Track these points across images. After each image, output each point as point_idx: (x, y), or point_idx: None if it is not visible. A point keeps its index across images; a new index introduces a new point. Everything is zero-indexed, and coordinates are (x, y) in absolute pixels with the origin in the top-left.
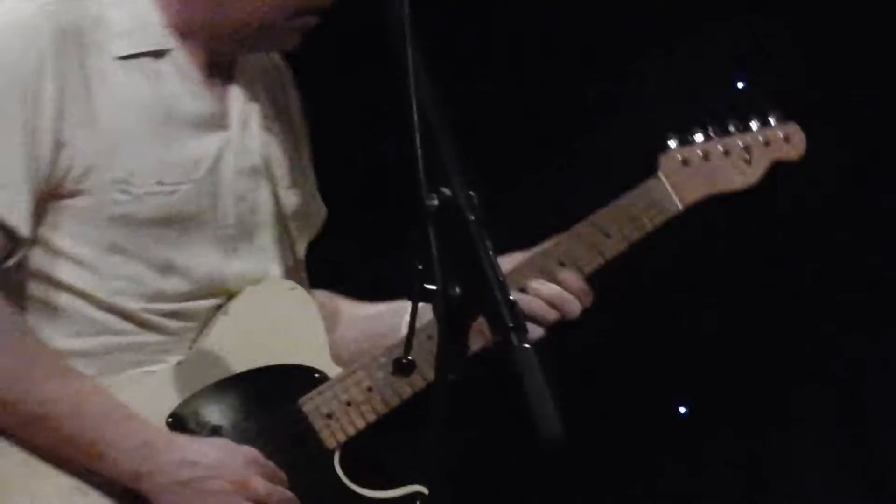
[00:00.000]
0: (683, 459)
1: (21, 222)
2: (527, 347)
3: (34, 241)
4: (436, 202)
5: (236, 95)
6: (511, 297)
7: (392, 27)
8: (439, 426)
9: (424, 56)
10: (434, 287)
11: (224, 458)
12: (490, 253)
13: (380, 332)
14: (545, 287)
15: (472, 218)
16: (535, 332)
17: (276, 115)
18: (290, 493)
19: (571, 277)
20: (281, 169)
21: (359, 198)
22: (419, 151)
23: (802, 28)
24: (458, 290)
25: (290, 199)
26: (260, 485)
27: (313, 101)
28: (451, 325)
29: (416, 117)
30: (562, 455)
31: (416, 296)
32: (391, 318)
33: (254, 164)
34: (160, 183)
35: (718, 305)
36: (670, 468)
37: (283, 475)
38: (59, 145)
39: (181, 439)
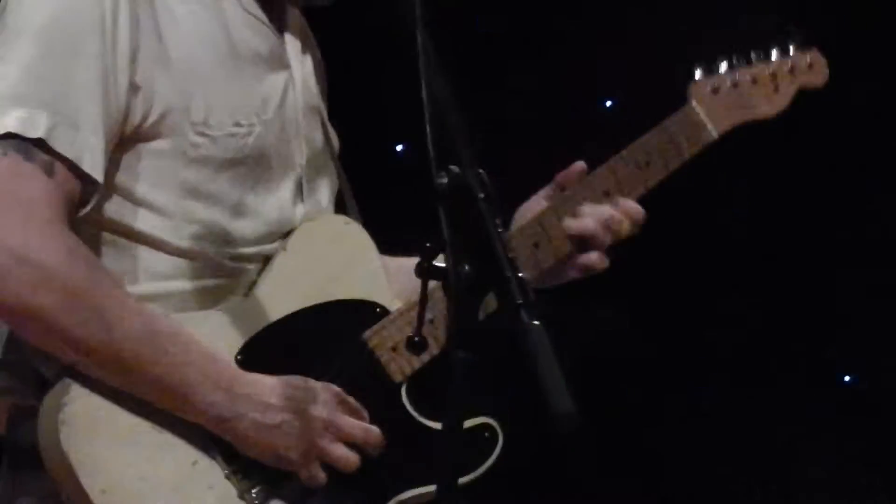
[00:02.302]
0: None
1: (95, 167)
2: (537, 325)
3: (110, 188)
4: (446, 180)
5: (290, 37)
6: (521, 274)
7: (401, 9)
8: (457, 406)
9: (432, 35)
10: (444, 265)
11: (308, 398)
12: (500, 230)
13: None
14: (597, 209)
15: (482, 195)
16: (591, 257)
17: (318, 64)
18: (375, 429)
19: (621, 199)
20: (325, 110)
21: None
22: (429, 130)
23: None
24: (467, 267)
25: (335, 140)
26: (345, 423)
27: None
28: (462, 302)
29: (426, 95)
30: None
31: (426, 273)
32: None
33: (314, 103)
34: (237, 124)
35: (722, 302)
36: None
37: (363, 410)
38: (134, 87)
39: (265, 381)
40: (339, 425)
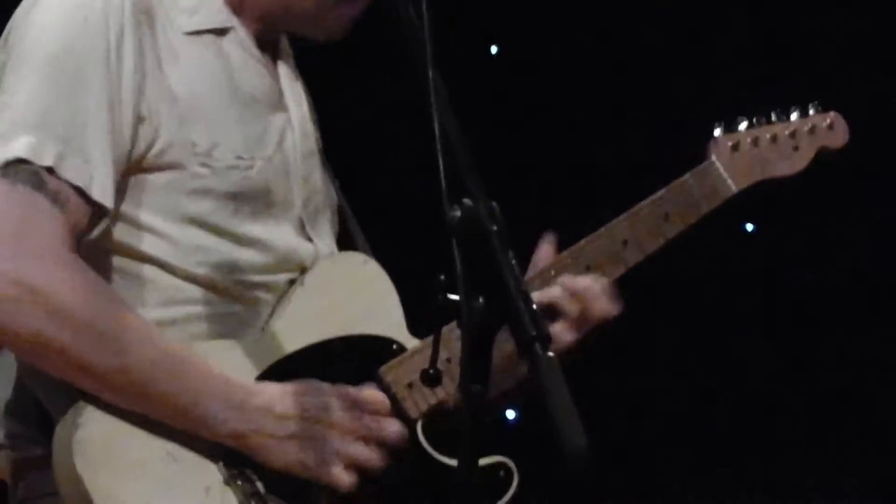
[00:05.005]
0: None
1: (105, 195)
2: (550, 356)
3: (117, 215)
4: (458, 213)
5: (286, 79)
6: (534, 307)
7: (410, 41)
8: (470, 438)
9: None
10: (457, 298)
11: (321, 403)
12: (513, 262)
13: None
14: (571, 280)
15: (495, 228)
16: (564, 336)
17: (310, 105)
18: (393, 424)
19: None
20: (323, 154)
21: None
22: (441, 163)
23: None
24: (480, 300)
25: (335, 185)
26: (361, 422)
27: (330, 115)
28: (475, 335)
29: (437, 129)
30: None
31: (440, 307)
32: None
33: (311, 147)
34: (239, 157)
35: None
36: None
37: (383, 399)
38: (139, 119)
39: (275, 393)
40: (355, 426)
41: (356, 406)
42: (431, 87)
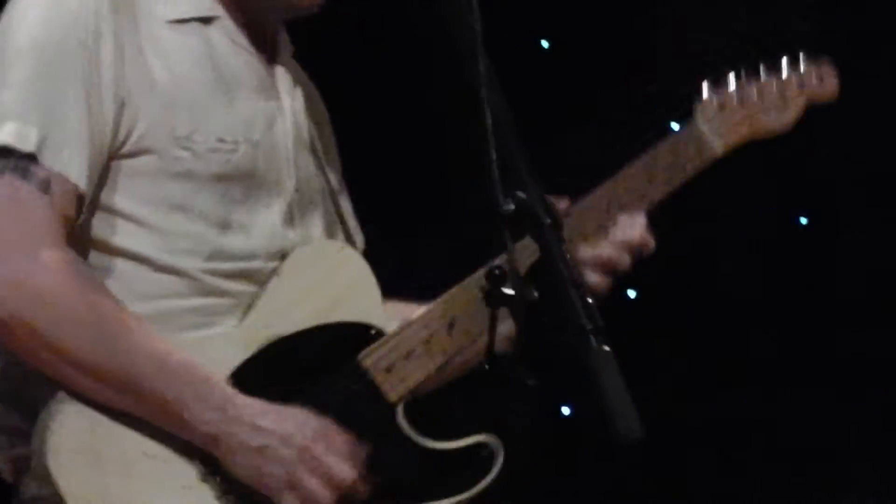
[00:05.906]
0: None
1: (81, 177)
2: (607, 349)
3: (99, 207)
4: (512, 206)
5: (281, 71)
6: (588, 299)
7: (460, 34)
8: (523, 432)
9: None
10: (512, 292)
11: (297, 427)
12: (567, 255)
13: None
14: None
15: (548, 221)
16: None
17: (313, 100)
18: (354, 472)
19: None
20: (325, 150)
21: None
22: (493, 156)
23: None
24: (535, 293)
25: (335, 181)
26: (328, 459)
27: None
28: (529, 328)
29: (489, 121)
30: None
31: (494, 300)
32: None
33: (304, 138)
34: (221, 140)
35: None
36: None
37: (358, 450)
38: (120, 104)
39: (258, 405)
40: (322, 460)
41: (333, 441)
42: (483, 75)
